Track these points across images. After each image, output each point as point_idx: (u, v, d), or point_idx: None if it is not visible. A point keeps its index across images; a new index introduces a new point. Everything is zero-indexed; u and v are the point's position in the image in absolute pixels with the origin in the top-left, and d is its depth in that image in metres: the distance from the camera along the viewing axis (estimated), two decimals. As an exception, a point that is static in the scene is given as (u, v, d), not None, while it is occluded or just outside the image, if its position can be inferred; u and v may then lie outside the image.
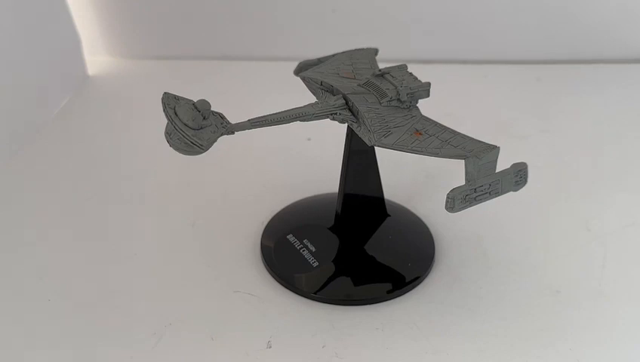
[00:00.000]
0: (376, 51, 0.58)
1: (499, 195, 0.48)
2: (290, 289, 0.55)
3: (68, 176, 0.70)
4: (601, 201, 0.65)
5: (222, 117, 0.46)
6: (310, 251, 0.57)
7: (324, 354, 0.50)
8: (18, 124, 0.74)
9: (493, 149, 0.47)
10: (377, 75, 0.52)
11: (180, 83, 0.85)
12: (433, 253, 0.58)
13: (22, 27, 0.75)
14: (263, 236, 0.60)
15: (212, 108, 0.45)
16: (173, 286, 0.56)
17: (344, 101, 0.50)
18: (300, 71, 0.56)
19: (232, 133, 0.46)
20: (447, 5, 0.88)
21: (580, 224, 0.62)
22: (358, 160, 0.56)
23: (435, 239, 0.60)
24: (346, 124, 0.52)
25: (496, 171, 0.48)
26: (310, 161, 0.71)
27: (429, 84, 0.51)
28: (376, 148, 0.52)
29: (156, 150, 0.70)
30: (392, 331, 0.52)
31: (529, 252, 0.59)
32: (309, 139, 0.75)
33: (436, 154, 0.47)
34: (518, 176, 0.49)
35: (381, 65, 0.55)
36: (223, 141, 0.46)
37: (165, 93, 0.45)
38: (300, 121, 0.49)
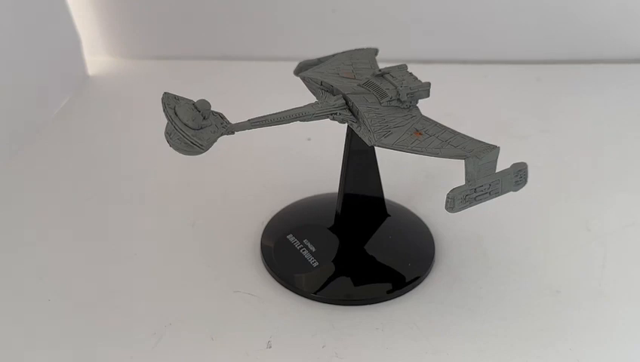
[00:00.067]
0: (376, 51, 0.58)
1: (499, 195, 0.48)
2: (290, 289, 0.55)
3: (68, 176, 0.70)
4: (601, 201, 0.65)
5: (222, 117, 0.46)
6: (310, 251, 0.57)
7: (324, 354, 0.50)
8: (18, 124, 0.74)
9: (493, 149, 0.47)
10: (377, 75, 0.52)
11: (180, 83, 0.85)
12: (433, 253, 0.58)
13: (22, 27, 0.75)
14: (263, 236, 0.60)
15: (212, 108, 0.45)
16: (173, 286, 0.56)
17: (344, 101, 0.50)
18: (299, 71, 0.56)
19: (232, 133, 0.46)
20: (447, 5, 0.88)
21: (580, 224, 0.62)
22: (358, 160, 0.56)
23: (435, 239, 0.60)
24: (346, 124, 0.52)
25: (496, 171, 0.48)
26: (310, 161, 0.71)
27: (429, 84, 0.51)
28: (376, 148, 0.52)
29: (156, 150, 0.70)
30: (392, 331, 0.52)
31: (529, 252, 0.59)
32: (309, 139, 0.75)
33: (436, 155, 0.47)
34: (518, 176, 0.49)
35: (381, 66, 0.55)
36: (223, 141, 0.46)
37: (165, 93, 0.45)
38: (300, 121, 0.49)
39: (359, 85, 0.51)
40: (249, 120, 0.47)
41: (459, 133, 0.49)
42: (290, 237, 0.59)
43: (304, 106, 0.49)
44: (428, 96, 0.51)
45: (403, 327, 0.52)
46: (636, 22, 0.88)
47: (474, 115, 0.79)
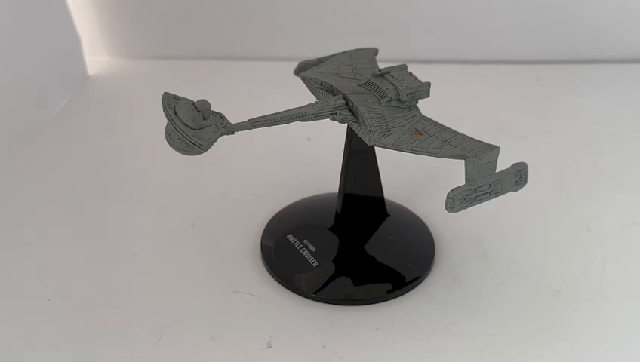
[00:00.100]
0: (376, 51, 0.58)
1: (499, 195, 0.48)
2: (290, 289, 0.55)
3: (68, 176, 0.70)
4: (601, 201, 0.65)
5: (222, 117, 0.46)
6: (310, 251, 0.57)
7: (324, 354, 0.50)
8: (18, 124, 0.74)
9: (493, 149, 0.47)
10: (377, 75, 0.52)
11: (180, 83, 0.85)
12: (433, 253, 0.58)
13: (22, 27, 0.75)
14: (263, 236, 0.60)
15: (212, 108, 0.45)
16: (173, 286, 0.56)
17: (344, 101, 0.50)
18: (299, 71, 0.56)
19: (232, 133, 0.46)
20: (447, 5, 0.88)
21: (580, 224, 0.62)
22: (358, 160, 0.56)
23: (435, 239, 0.60)
24: (346, 124, 0.52)
25: (496, 171, 0.48)
26: (310, 161, 0.71)
27: (429, 84, 0.51)
28: (376, 148, 0.52)
29: (156, 150, 0.70)
30: (392, 331, 0.52)
31: (529, 252, 0.59)
32: (309, 139, 0.75)
33: (436, 155, 0.47)
34: (518, 176, 0.49)
35: (381, 66, 0.55)
36: (223, 141, 0.46)
37: (165, 93, 0.45)
38: (300, 121, 0.49)
39: (359, 85, 0.51)
40: (249, 120, 0.47)
41: (459, 133, 0.49)
42: (290, 237, 0.59)
43: (304, 106, 0.49)
44: (428, 96, 0.51)
45: (403, 327, 0.52)
46: (636, 22, 0.88)
47: (474, 115, 0.79)
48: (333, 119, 0.50)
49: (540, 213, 0.64)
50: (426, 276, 0.57)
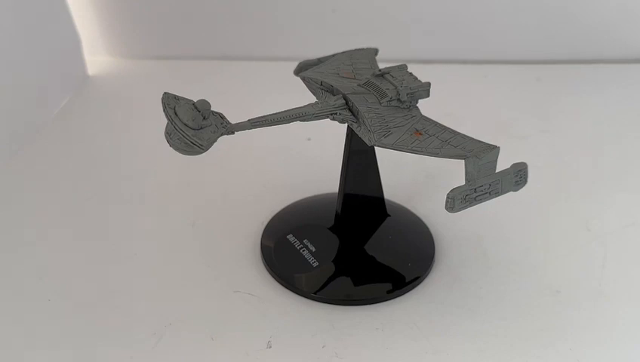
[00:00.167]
0: (376, 51, 0.58)
1: (499, 195, 0.48)
2: (290, 289, 0.55)
3: (68, 176, 0.70)
4: (601, 201, 0.65)
5: (222, 117, 0.46)
6: (310, 251, 0.57)
7: (324, 354, 0.50)
8: (18, 124, 0.74)
9: (493, 149, 0.47)
10: (377, 75, 0.52)
11: (180, 83, 0.85)
12: (433, 253, 0.58)
13: (22, 27, 0.75)
14: (263, 236, 0.60)
15: (212, 108, 0.45)
16: (173, 286, 0.56)
17: (344, 101, 0.50)
18: (299, 71, 0.56)
19: (232, 133, 0.46)
20: (447, 5, 0.88)
21: (580, 224, 0.62)
22: (358, 160, 0.56)
23: (435, 239, 0.60)
24: (346, 124, 0.52)
25: (496, 171, 0.48)
26: (310, 161, 0.71)
27: (429, 84, 0.51)
28: (376, 148, 0.52)
29: (156, 150, 0.70)
30: (392, 331, 0.52)
31: (529, 252, 0.59)
32: (309, 139, 0.75)
33: (436, 155, 0.47)
34: (518, 176, 0.49)
35: (381, 66, 0.55)
36: (223, 141, 0.46)
37: (165, 93, 0.45)
38: (300, 121, 0.49)
39: (359, 85, 0.51)
40: (249, 120, 0.47)
41: (459, 133, 0.49)
42: (290, 237, 0.59)
43: (304, 106, 0.49)
44: (428, 96, 0.51)
45: (403, 327, 0.52)
46: (636, 22, 0.88)
47: (474, 115, 0.79)
48: (333, 119, 0.50)
49: (539, 213, 0.64)
50: (426, 276, 0.57)
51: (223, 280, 0.57)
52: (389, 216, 0.61)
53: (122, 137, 0.76)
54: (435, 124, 0.50)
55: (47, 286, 0.56)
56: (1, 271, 0.58)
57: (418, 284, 0.56)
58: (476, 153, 0.46)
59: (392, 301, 0.55)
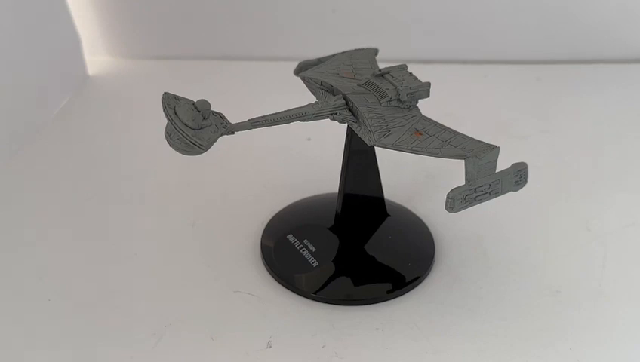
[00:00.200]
0: (376, 51, 0.58)
1: (499, 195, 0.48)
2: (290, 289, 0.55)
3: (68, 176, 0.70)
4: (601, 201, 0.65)
5: (222, 117, 0.46)
6: (310, 251, 0.57)
7: (324, 354, 0.50)
8: (18, 124, 0.74)
9: (493, 149, 0.47)
10: (377, 75, 0.52)
11: (180, 83, 0.86)
12: (433, 253, 0.58)
13: (22, 27, 0.75)
14: (263, 236, 0.60)
15: (212, 108, 0.45)
16: (173, 286, 0.56)
17: (344, 101, 0.50)
18: (300, 71, 0.56)
19: (232, 133, 0.46)
20: (447, 5, 0.88)
21: (580, 224, 0.62)
22: (358, 160, 0.56)
23: (435, 239, 0.60)
24: (346, 124, 0.52)
25: (496, 171, 0.48)
26: (310, 161, 0.71)
27: (429, 84, 0.51)
28: (376, 148, 0.52)
29: (156, 150, 0.70)
30: (392, 331, 0.52)
31: (529, 252, 0.59)
32: (309, 139, 0.75)
33: (436, 155, 0.47)
34: (518, 176, 0.49)
35: (381, 66, 0.55)
36: (223, 141, 0.46)
37: (165, 93, 0.45)
38: (300, 121, 0.49)
39: (359, 85, 0.51)
40: (249, 120, 0.47)
41: (459, 133, 0.49)
42: (290, 237, 0.59)
43: (304, 106, 0.49)
44: (428, 96, 0.51)
45: (403, 327, 0.52)
46: (636, 22, 0.88)
47: (474, 115, 0.79)
48: (333, 119, 0.50)
49: (540, 213, 0.64)
50: (426, 276, 0.57)
51: (223, 280, 0.57)
52: (389, 216, 0.61)
53: (122, 137, 0.76)
54: (435, 124, 0.50)
55: (47, 286, 0.56)
56: (1, 271, 0.58)
57: (418, 284, 0.56)
58: (476, 153, 0.46)
59: (392, 301, 0.55)
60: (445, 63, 0.91)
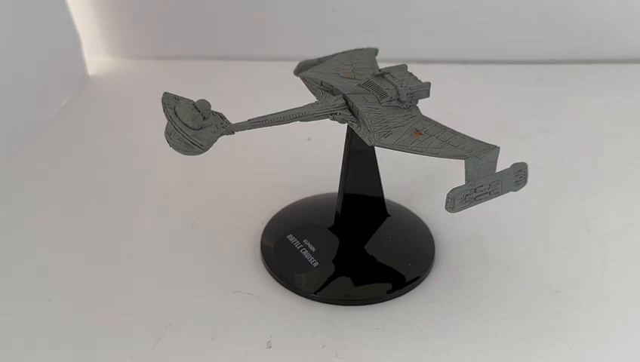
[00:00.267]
0: (376, 51, 0.58)
1: (499, 195, 0.48)
2: (290, 289, 0.55)
3: (68, 176, 0.70)
4: (601, 201, 0.65)
5: (222, 117, 0.46)
6: (310, 251, 0.57)
7: (324, 354, 0.50)
8: (18, 124, 0.74)
9: (493, 149, 0.47)
10: (377, 75, 0.52)
11: (180, 83, 0.86)
12: (433, 253, 0.58)
13: (22, 27, 0.75)
14: (263, 236, 0.60)
15: (212, 108, 0.45)
16: (173, 286, 0.56)
17: (344, 101, 0.50)
18: (300, 71, 0.56)
19: (232, 133, 0.46)
20: (447, 5, 0.88)
21: (580, 224, 0.62)
22: (358, 160, 0.56)
23: (435, 239, 0.60)
24: (346, 124, 0.52)
25: (496, 171, 0.48)
26: (310, 161, 0.71)
27: (429, 84, 0.51)
28: (376, 148, 0.52)
29: (156, 150, 0.70)
30: (392, 331, 0.52)
31: (529, 252, 0.59)
32: (309, 139, 0.75)
33: (436, 155, 0.47)
34: (518, 176, 0.49)
35: (381, 66, 0.55)
36: (223, 141, 0.46)
37: (165, 93, 0.45)
38: (300, 121, 0.49)
39: (359, 85, 0.51)
40: (249, 120, 0.47)
41: (459, 133, 0.49)
42: (290, 237, 0.59)
43: (304, 106, 0.49)
44: (428, 96, 0.51)
45: (403, 327, 0.52)
46: (636, 22, 0.88)
47: (474, 115, 0.79)
48: (333, 119, 0.50)
49: (540, 213, 0.64)
50: (426, 276, 0.57)
51: (223, 280, 0.57)
52: (389, 216, 0.61)
53: (122, 137, 0.76)
54: (435, 124, 0.50)
55: (47, 286, 0.56)
56: (1, 271, 0.58)
57: (418, 284, 0.56)
58: (476, 153, 0.46)
59: (392, 301, 0.55)
60: (445, 63, 0.91)
